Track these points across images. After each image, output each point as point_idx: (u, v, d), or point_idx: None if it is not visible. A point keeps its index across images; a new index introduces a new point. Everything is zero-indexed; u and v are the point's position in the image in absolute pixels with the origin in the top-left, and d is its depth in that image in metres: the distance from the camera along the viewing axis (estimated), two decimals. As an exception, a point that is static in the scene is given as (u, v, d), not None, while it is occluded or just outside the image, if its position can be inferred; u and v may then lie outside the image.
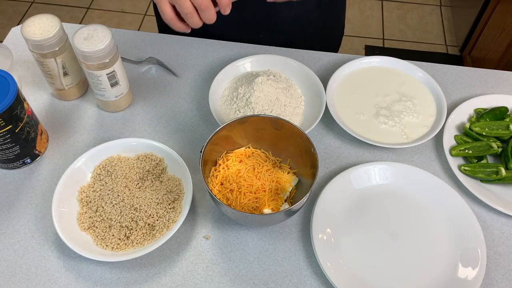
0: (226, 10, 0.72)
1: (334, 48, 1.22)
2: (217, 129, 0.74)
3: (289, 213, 0.72)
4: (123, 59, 0.98)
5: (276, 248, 0.76)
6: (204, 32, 1.03)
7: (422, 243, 0.77)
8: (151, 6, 2.56)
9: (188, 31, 0.75)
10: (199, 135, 0.89)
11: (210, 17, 0.71)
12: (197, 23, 0.71)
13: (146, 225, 0.75)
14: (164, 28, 1.16)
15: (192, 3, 0.69)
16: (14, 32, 1.05)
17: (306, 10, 1.04)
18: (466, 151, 0.86)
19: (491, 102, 0.94)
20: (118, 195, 0.77)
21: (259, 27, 1.05)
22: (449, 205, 0.80)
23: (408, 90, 0.96)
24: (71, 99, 0.94)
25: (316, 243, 0.74)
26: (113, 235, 0.74)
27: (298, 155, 0.78)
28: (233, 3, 0.72)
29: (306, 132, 0.75)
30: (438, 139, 0.91)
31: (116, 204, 0.77)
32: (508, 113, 0.92)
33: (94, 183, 0.79)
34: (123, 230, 0.74)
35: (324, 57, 1.03)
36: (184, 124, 0.91)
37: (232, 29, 1.04)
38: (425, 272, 0.74)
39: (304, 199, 0.70)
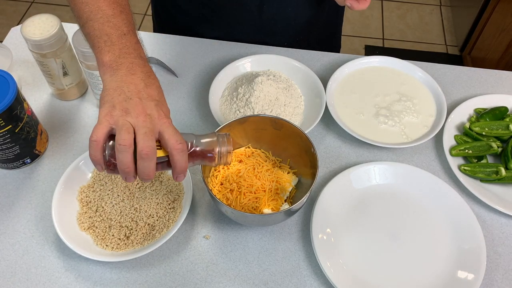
0: (179, 178, 0.60)
1: (337, 47, 1.23)
2: (217, 129, 0.74)
3: (289, 213, 0.72)
4: (123, 59, 0.98)
5: (276, 248, 0.76)
6: (227, 38, 1.03)
7: (422, 243, 0.77)
8: (151, 6, 2.56)
9: (102, 170, 0.59)
10: (199, 135, 0.89)
11: (147, 170, 0.56)
12: (126, 164, 0.56)
13: (146, 225, 0.75)
14: (159, 28, 1.16)
15: (134, 143, 0.56)
16: (14, 32, 1.05)
17: (319, 7, 1.04)
18: (466, 151, 0.86)
19: (491, 102, 0.94)
20: (118, 195, 0.77)
21: (281, 33, 1.05)
22: (449, 205, 0.80)
23: (408, 90, 0.96)
24: (71, 99, 0.94)
25: (316, 243, 0.74)
26: (113, 235, 0.74)
27: (298, 155, 0.78)
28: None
29: (306, 132, 0.75)
30: (438, 139, 0.91)
31: (116, 204, 0.77)
32: (508, 113, 0.92)
33: (94, 183, 0.79)
34: (123, 230, 0.74)
35: (324, 57, 1.03)
36: (184, 124, 0.91)
37: (255, 35, 1.04)
38: (425, 272, 0.74)
39: (304, 199, 0.70)
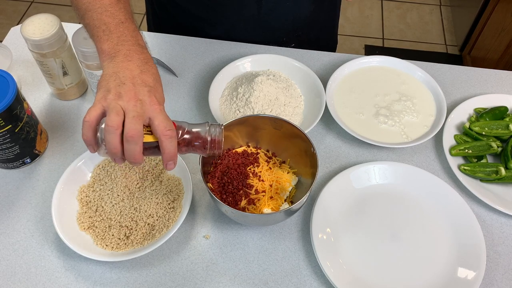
0: (169, 166, 0.61)
1: (335, 44, 1.23)
2: (217, 129, 0.74)
3: (289, 213, 0.72)
4: (123, 58, 0.98)
5: (276, 248, 0.76)
6: (226, 35, 1.04)
7: (422, 243, 0.77)
8: (146, 6, 2.56)
9: (93, 151, 0.61)
10: (199, 134, 0.89)
11: (133, 153, 0.58)
12: (114, 145, 0.58)
13: (146, 225, 0.75)
14: (156, 28, 1.16)
15: (123, 125, 0.58)
16: (14, 31, 1.05)
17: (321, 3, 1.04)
18: (466, 150, 0.86)
19: (491, 101, 0.94)
20: (118, 195, 0.77)
21: (282, 31, 1.05)
22: (449, 204, 0.80)
23: (408, 90, 0.96)
24: (71, 98, 0.94)
25: (315, 243, 0.74)
26: (113, 235, 0.74)
27: (298, 155, 0.78)
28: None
29: (306, 132, 0.75)
30: (438, 138, 0.91)
31: (116, 204, 0.77)
32: (507, 112, 0.92)
33: (94, 183, 0.79)
34: (122, 230, 0.74)
35: (324, 57, 1.03)
36: (184, 123, 0.91)
37: (254, 31, 1.04)
38: (425, 271, 0.74)
39: (304, 198, 0.70)
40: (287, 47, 1.05)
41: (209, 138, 0.64)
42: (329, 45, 1.19)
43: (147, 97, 0.60)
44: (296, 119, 0.89)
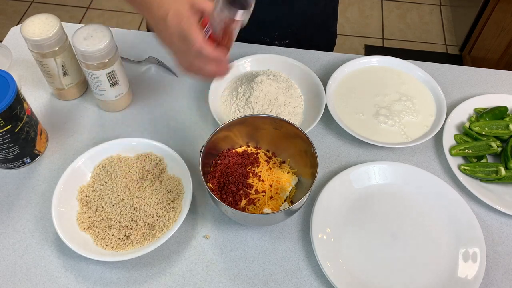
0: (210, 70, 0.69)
1: (333, 43, 1.23)
2: (217, 129, 0.74)
3: (289, 213, 0.72)
4: (123, 58, 0.98)
5: (276, 248, 0.76)
6: None
7: (422, 243, 0.77)
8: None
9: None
10: (198, 134, 0.89)
11: (220, 68, 0.69)
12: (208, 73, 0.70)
13: (146, 224, 0.75)
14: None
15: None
16: (14, 31, 1.05)
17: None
18: (466, 150, 0.86)
19: (491, 101, 0.94)
20: (118, 195, 0.77)
21: (275, 25, 1.05)
22: (449, 204, 0.80)
23: (408, 90, 0.96)
24: (71, 98, 0.94)
25: (315, 243, 0.74)
26: (113, 235, 0.74)
27: (298, 155, 0.78)
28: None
29: (305, 132, 0.75)
30: (437, 138, 0.91)
31: (116, 204, 0.77)
32: (507, 112, 0.92)
33: (94, 183, 0.79)
34: (122, 230, 0.74)
35: (324, 57, 1.03)
36: (183, 123, 0.91)
37: (251, 29, 1.04)
38: (425, 271, 0.74)
39: (304, 198, 0.70)
40: (282, 43, 1.05)
41: (226, 14, 0.63)
42: (327, 43, 1.19)
43: (185, 30, 0.64)
44: (296, 119, 0.89)
